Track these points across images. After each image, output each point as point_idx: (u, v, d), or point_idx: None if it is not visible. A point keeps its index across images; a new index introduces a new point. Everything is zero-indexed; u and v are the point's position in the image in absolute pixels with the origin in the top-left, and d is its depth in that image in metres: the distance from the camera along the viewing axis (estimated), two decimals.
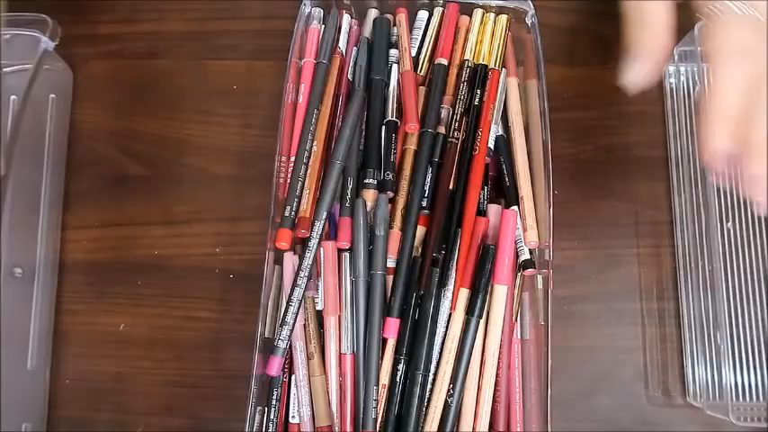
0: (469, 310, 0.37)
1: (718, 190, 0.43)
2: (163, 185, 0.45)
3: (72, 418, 0.43)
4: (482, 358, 0.37)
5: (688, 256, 0.41)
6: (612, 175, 0.45)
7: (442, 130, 0.40)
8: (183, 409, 0.43)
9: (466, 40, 0.42)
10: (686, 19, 0.43)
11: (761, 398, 0.40)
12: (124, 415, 0.43)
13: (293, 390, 0.38)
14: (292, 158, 0.39)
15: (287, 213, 0.38)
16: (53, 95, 0.44)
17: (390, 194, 0.39)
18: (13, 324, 0.40)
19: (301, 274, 0.37)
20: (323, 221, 0.38)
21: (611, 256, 0.44)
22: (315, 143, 0.40)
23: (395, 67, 0.42)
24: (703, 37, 0.30)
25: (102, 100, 0.47)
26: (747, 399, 0.40)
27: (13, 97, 0.44)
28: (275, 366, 0.36)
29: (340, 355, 0.38)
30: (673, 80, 0.45)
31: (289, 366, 0.39)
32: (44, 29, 0.41)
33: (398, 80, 0.42)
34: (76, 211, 0.45)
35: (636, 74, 0.33)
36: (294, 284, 0.37)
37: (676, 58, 0.44)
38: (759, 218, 0.43)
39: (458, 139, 0.40)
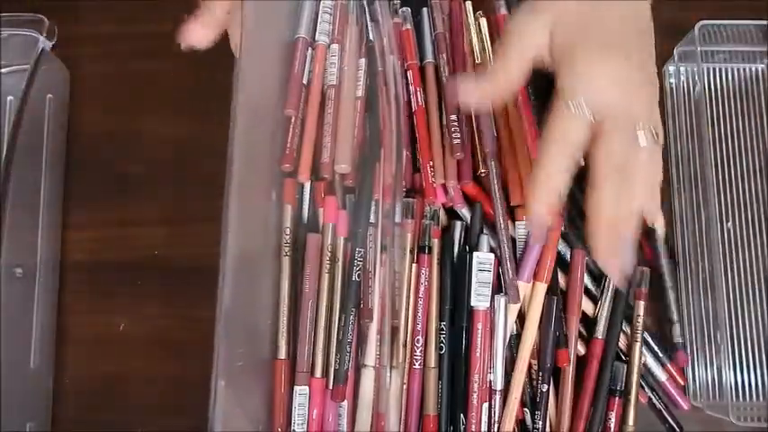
0: None
1: (719, 190, 0.43)
2: (163, 185, 0.45)
3: (72, 417, 0.43)
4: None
5: (688, 256, 0.41)
6: None
7: None
8: (184, 409, 0.42)
9: None
10: (686, 19, 0.43)
11: (761, 398, 0.40)
12: (124, 415, 0.43)
13: None
14: None
15: None
16: (50, 96, 0.44)
17: None
18: (14, 323, 0.40)
19: None
20: None
21: None
22: None
23: None
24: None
25: (101, 100, 0.47)
26: (747, 399, 0.40)
27: (9, 98, 0.44)
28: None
29: None
30: (673, 80, 0.45)
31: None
32: (41, 29, 0.41)
33: None
34: (76, 211, 0.45)
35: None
36: None
37: (676, 58, 0.44)
38: (759, 218, 0.43)
39: None
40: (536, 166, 0.33)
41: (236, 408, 0.33)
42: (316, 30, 0.42)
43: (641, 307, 0.39)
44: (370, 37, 0.42)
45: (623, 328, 0.40)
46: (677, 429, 0.40)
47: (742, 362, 0.41)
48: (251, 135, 0.36)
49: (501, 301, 0.39)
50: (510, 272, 0.39)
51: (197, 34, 0.36)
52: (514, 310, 0.39)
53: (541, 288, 0.39)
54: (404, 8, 0.44)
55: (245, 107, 0.34)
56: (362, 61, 0.42)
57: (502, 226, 0.39)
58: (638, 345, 0.39)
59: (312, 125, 0.40)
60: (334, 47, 0.42)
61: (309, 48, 0.42)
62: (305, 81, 0.41)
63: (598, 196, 0.32)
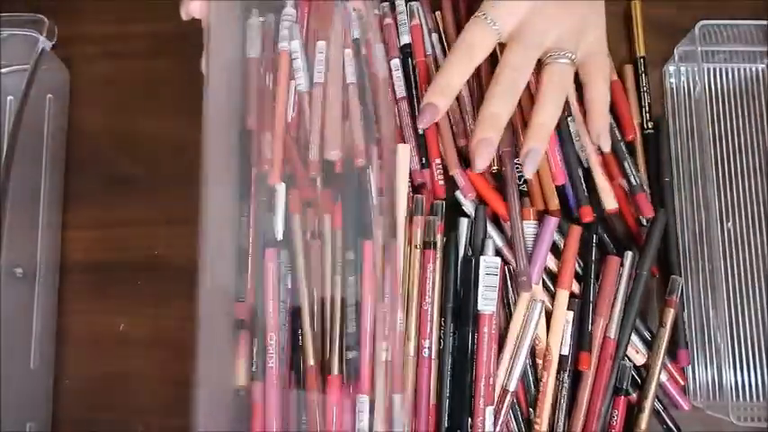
0: None
1: (719, 190, 0.43)
2: (163, 185, 0.45)
3: (72, 417, 0.43)
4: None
5: (688, 256, 0.41)
6: None
7: None
8: (183, 409, 0.42)
9: None
10: (686, 19, 0.43)
11: (761, 398, 0.40)
12: (124, 415, 0.43)
13: None
14: None
15: None
16: (50, 96, 0.44)
17: None
18: (14, 323, 0.40)
19: None
20: None
21: None
22: None
23: None
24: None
25: (102, 100, 0.47)
26: (747, 399, 0.40)
27: (9, 98, 0.44)
28: None
29: None
30: (673, 80, 0.45)
31: None
32: (41, 29, 0.41)
33: None
34: (76, 211, 0.45)
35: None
36: None
37: (676, 58, 0.44)
38: (759, 218, 0.43)
39: None
40: (443, 65, 0.38)
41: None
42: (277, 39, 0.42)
43: (670, 315, 0.39)
44: (354, 35, 0.42)
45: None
46: (675, 431, 0.40)
47: (742, 362, 0.41)
48: (223, 146, 0.36)
49: (537, 306, 0.39)
50: (523, 260, 0.39)
51: (194, 6, 0.37)
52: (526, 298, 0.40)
53: (564, 296, 0.40)
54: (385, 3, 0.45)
55: (214, 121, 0.34)
56: (338, 61, 0.42)
57: (517, 221, 0.40)
58: (662, 352, 0.39)
59: (280, 132, 0.40)
60: (298, 54, 0.42)
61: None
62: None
63: (489, 92, 0.37)
